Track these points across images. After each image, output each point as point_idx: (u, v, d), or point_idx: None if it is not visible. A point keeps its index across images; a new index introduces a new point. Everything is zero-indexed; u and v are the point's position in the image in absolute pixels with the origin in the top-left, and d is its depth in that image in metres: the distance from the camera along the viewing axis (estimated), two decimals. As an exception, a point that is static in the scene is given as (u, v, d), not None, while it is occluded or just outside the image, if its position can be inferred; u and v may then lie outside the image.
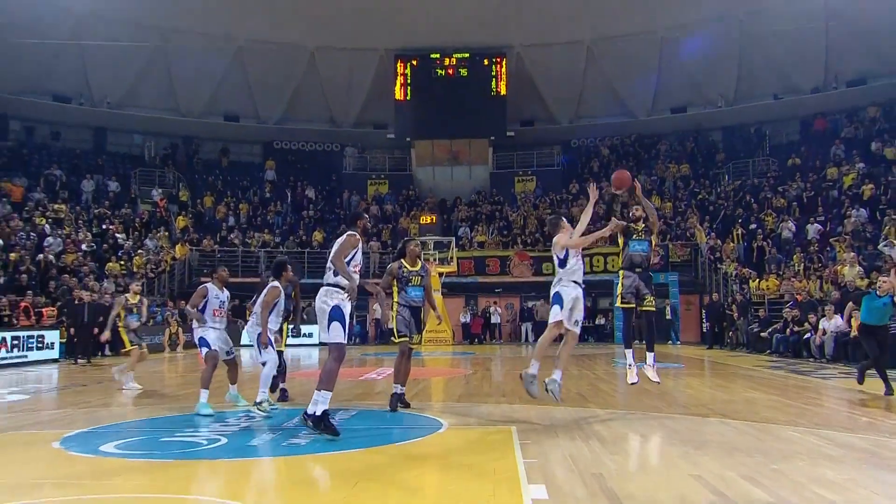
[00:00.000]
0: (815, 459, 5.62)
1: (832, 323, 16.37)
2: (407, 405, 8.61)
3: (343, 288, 6.73)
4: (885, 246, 20.13)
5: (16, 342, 18.08)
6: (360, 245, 7.00)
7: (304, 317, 26.20)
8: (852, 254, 19.90)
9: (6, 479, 5.44)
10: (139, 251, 27.16)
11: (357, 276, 6.92)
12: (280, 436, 6.99)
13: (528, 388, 7.67)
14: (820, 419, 7.99)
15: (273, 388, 9.15)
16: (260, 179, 34.65)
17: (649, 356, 8.66)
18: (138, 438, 7.10)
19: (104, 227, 27.78)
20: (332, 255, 6.80)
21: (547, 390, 7.68)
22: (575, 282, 7.83)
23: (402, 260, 8.67)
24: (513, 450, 6.00)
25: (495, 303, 28.87)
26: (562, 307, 7.69)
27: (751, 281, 23.28)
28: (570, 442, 6.41)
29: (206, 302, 8.78)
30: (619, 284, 8.68)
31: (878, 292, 10.11)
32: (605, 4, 29.20)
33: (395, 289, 8.62)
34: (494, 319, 28.54)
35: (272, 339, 8.71)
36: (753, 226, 26.60)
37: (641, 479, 5.19)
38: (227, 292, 9.09)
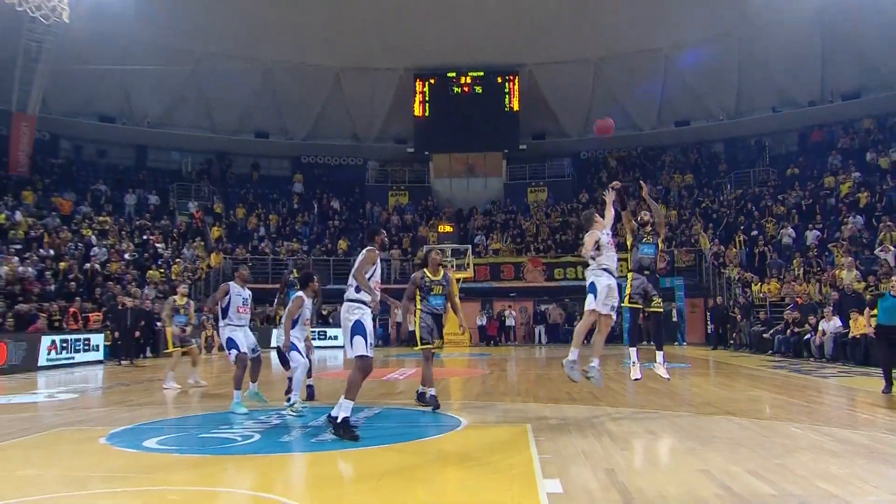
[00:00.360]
0: (817, 454, 5.55)
1: (831, 324, 16.20)
2: (425, 401, 8.55)
3: (364, 303, 6.70)
4: (881, 251, 19.89)
5: (65, 344, 18.30)
6: (379, 260, 6.95)
7: (330, 320, 26.45)
8: (850, 258, 19.68)
9: (57, 472, 5.51)
10: (177, 260, 27.38)
11: (378, 292, 6.87)
12: (309, 433, 7.00)
13: (570, 373, 7.64)
14: (821, 416, 7.90)
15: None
16: (288, 192, 34.81)
17: (659, 355, 8.55)
18: (178, 435, 7.18)
19: (145, 237, 28.04)
20: (353, 271, 6.77)
21: (588, 377, 7.62)
22: (608, 270, 7.76)
23: (425, 269, 8.56)
24: (528, 446, 5.98)
25: (510, 306, 28.79)
26: (596, 296, 7.64)
27: (753, 284, 23.05)
28: (583, 439, 6.37)
29: (230, 300, 8.74)
30: (628, 285, 8.62)
31: (892, 292, 9.87)
32: (611, 24, 29.14)
33: (417, 297, 8.51)
34: (509, 322, 28.46)
35: (300, 346, 8.60)
36: (755, 232, 26.36)
37: (651, 473, 5.16)
38: (248, 290, 9.06)
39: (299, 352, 8.47)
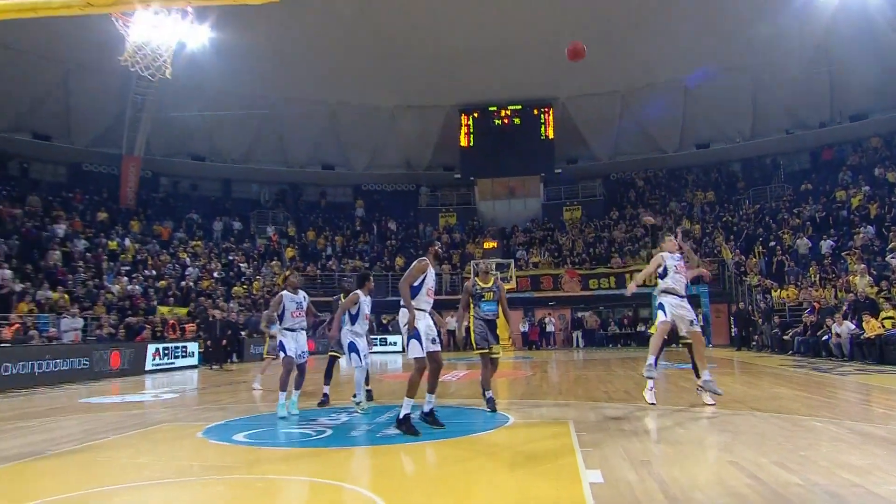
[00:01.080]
0: (838, 446, 5.35)
1: (843, 327, 15.61)
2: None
3: (421, 309, 6.59)
4: (892, 258, 19.10)
5: (166, 351, 18.84)
6: (430, 270, 6.72)
7: (390, 328, 26.63)
8: (862, 265, 18.95)
9: (163, 462, 5.69)
10: (258, 277, 27.99)
11: (430, 300, 6.72)
12: (374, 429, 7.04)
13: (648, 373, 7.56)
14: (840, 411, 7.60)
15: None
16: (351, 216, 35.22)
17: (699, 381, 8.28)
18: (262, 430, 7.25)
19: (230, 258, 28.75)
20: (401, 280, 6.63)
21: (707, 390, 7.44)
22: (671, 292, 7.62)
23: (476, 278, 8.31)
24: (571, 440, 5.91)
25: (549, 314, 28.49)
26: (666, 313, 7.57)
27: (772, 291, 22.37)
28: (621, 433, 6.26)
29: (284, 307, 8.37)
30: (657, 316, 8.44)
31: None
32: (635, 60, 28.82)
33: (471, 305, 8.18)
34: (549, 328, 28.15)
35: (360, 345, 8.47)
36: (773, 243, 25.58)
37: (684, 465, 5.02)
38: (301, 293, 8.57)
39: (359, 354, 8.39)
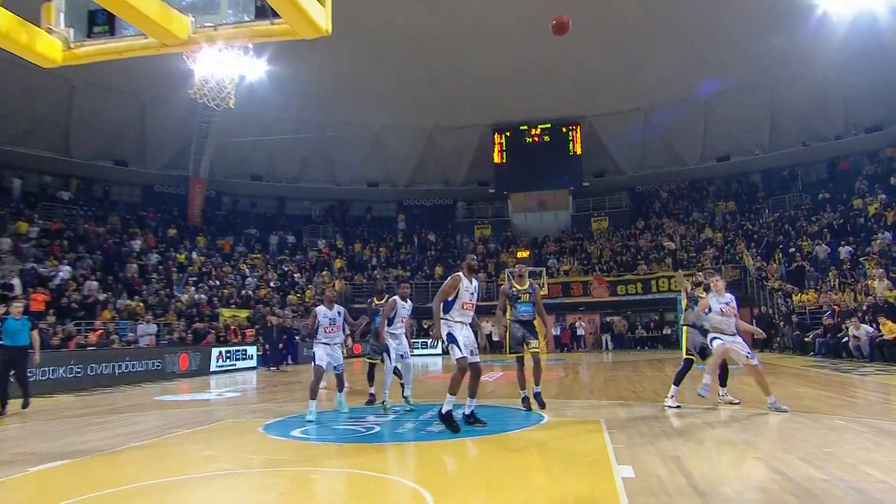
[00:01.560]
0: (862, 444, 5.16)
1: (861, 331, 15.03)
2: (541, 404, 7.94)
3: (458, 321, 6.55)
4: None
5: (228, 354, 19.25)
6: (464, 283, 6.60)
7: (430, 333, 26.52)
8: (881, 270, 18.24)
9: (229, 454, 5.80)
10: (309, 286, 28.38)
11: (468, 311, 6.63)
12: (419, 426, 7.05)
13: (702, 392, 7.36)
14: (862, 409, 7.34)
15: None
16: (394, 229, 35.44)
17: (722, 390, 8.13)
18: (317, 426, 7.32)
19: (285, 269, 29.25)
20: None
21: (780, 411, 7.19)
22: (724, 333, 7.48)
23: (513, 281, 8.17)
24: (603, 437, 5.82)
25: (580, 318, 28.16)
26: (723, 340, 7.47)
27: (793, 295, 21.67)
28: (650, 431, 6.15)
29: (318, 323, 8.14)
30: (684, 339, 8.31)
31: None
32: (656, 79, 28.42)
33: (508, 308, 8.02)
34: (580, 332, 27.83)
35: (393, 345, 8.48)
36: (792, 249, 24.80)
37: (712, 460, 4.92)
38: (337, 308, 8.27)
39: (389, 355, 8.46)
